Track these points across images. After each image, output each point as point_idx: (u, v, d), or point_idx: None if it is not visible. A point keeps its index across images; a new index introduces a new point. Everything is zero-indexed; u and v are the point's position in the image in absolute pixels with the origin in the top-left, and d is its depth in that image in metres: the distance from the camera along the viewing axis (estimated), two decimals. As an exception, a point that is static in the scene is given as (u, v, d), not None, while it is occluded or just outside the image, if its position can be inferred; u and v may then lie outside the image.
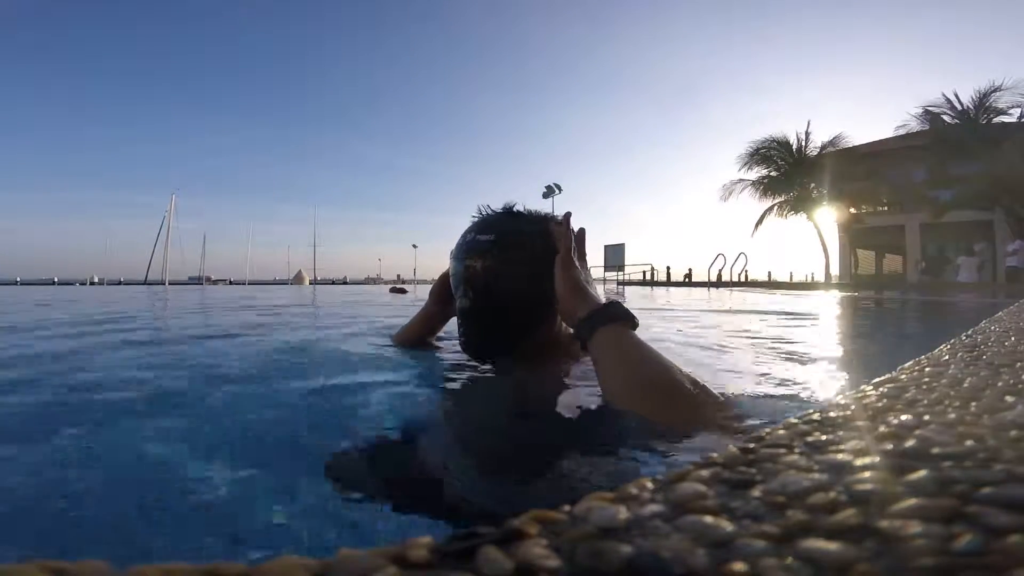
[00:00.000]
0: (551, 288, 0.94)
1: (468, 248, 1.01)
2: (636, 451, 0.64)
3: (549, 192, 21.47)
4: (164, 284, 33.29)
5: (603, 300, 0.83)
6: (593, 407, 0.77)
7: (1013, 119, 14.07)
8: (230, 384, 1.06)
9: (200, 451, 0.70)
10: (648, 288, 14.54)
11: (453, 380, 1.06)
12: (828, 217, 18.72)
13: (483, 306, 0.99)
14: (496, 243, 0.99)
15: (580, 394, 0.84)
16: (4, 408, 0.91)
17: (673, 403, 0.66)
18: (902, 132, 15.80)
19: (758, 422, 0.66)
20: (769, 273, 21.10)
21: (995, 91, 14.09)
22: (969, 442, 0.27)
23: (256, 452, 0.70)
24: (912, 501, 0.20)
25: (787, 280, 19.52)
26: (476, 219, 1.07)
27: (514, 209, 1.06)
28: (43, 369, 1.24)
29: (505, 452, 0.73)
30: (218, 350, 1.62)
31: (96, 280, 43.63)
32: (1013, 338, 0.73)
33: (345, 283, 46.61)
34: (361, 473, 0.66)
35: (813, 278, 20.24)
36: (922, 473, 0.23)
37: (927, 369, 0.51)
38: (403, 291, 8.71)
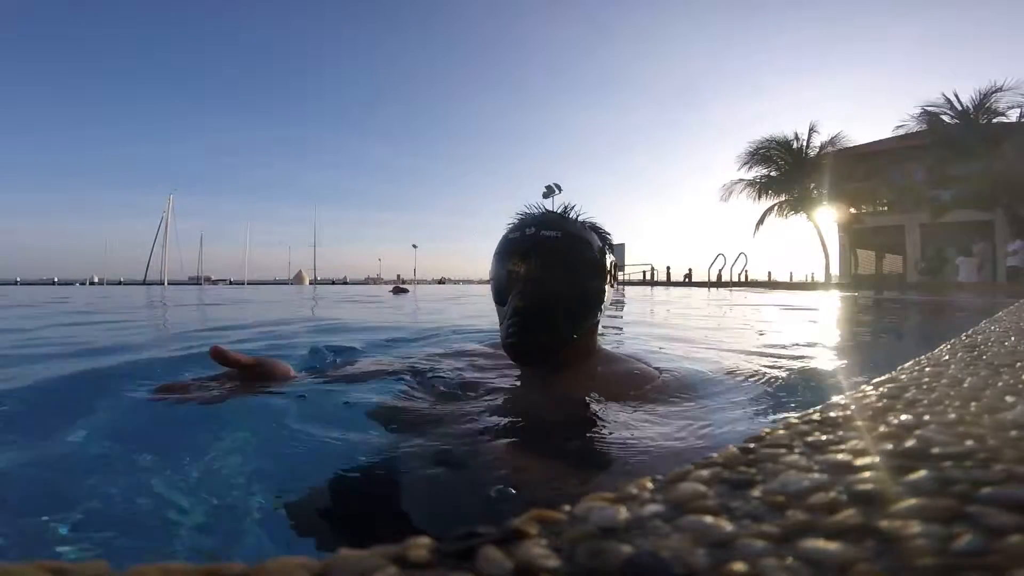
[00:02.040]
0: (597, 296, 0.96)
1: (529, 243, 0.94)
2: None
3: (549, 192, 21.42)
4: (163, 284, 33.29)
5: None
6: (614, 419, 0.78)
7: (1012, 119, 14.06)
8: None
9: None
10: (648, 288, 14.54)
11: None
12: (828, 217, 18.72)
13: (539, 306, 0.91)
14: (562, 240, 0.93)
15: (606, 406, 0.83)
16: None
17: None
18: (902, 132, 15.79)
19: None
20: (769, 273, 21.10)
21: (996, 92, 14.08)
22: (969, 442, 0.27)
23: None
24: (912, 501, 0.20)
25: (787, 280, 19.53)
26: (525, 216, 1.01)
27: (566, 212, 1.02)
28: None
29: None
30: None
31: (96, 280, 43.58)
32: (1013, 338, 0.73)
33: (345, 283, 46.57)
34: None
35: (813, 278, 20.24)
36: (922, 473, 0.23)
37: (927, 369, 0.51)
38: (405, 291, 8.80)
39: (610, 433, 0.77)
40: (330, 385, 1.07)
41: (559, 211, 1.03)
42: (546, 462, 0.70)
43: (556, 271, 0.91)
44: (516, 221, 1.01)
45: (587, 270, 0.95)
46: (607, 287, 0.99)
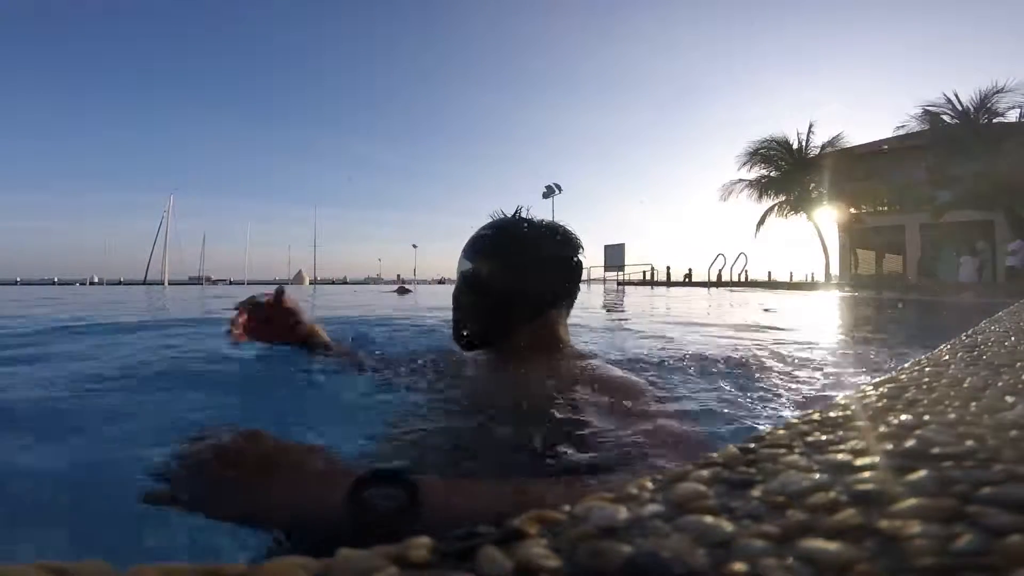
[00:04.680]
0: (540, 290, 1.01)
1: (467, 243, 1.07)
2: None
3: (549, 192, 21.47)
4: (163, 284, 33.33)
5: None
6: (560, 410, 0.78)
7: (1012, 119, 14.05)
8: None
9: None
10: (648, 288, 14.55)
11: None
12: (828, 217, 18.73)
13: (471, 298, 1.03)
14: (491, 239, 1.04)
15: (554, 394, 0.84)
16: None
17: None
18: (902, 132, 15.79)
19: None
20: (769, 273, 21.10)
21: (997, 92, 14.05)
22: (969, 442, 0.27)
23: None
24: (912, 501, 0.20)
25: (787, 280, 19.53)
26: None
27: (520, 214, 1.10)
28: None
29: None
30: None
31: (96, 280, 43.59)
32: (1013, 338, 0.73)
33: (345, 283, 46.62)
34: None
35: (813, 278, 20.24)
36: (922, 473, 0.23)
37: (927, 369, 0.51)
38: (408, 291, 8.96)
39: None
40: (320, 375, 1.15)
41: (512, 215, 1.09)
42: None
43: (481, 267, 1.02)
44: None
45: (517, 267, 1.01)
46: (558, 287, 1.04)
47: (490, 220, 1.10)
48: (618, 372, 0.97)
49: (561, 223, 1.10)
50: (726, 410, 1.02)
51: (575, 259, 1.07)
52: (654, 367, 1.31)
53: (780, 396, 1.13)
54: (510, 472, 0.68)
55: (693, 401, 1.08)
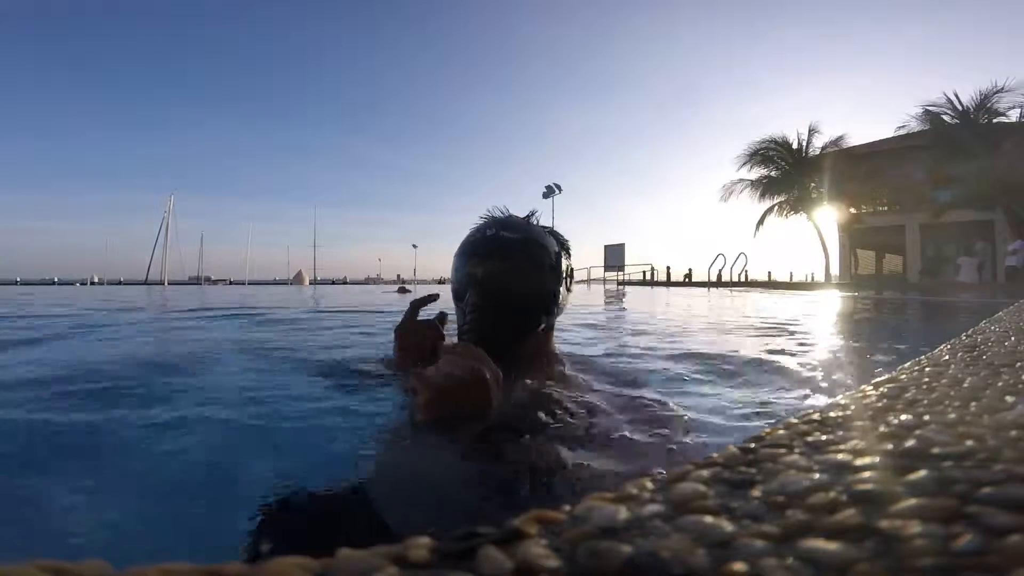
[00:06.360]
0: (552, 297, 1.00)
1: (491, 243, 0.98)
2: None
3: (549, 192, 21.46)
4: (163, 284, 33.33)
5: None
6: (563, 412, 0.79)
7: (1012, 119, 14.05)
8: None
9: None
10: (648, 288, 14.56)
11: None
12: (828, 217, 18.72)
13: (497, 304, 0.95)
14: (521, 242, 0.98)
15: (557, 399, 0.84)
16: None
17: None
18: (902, 132, 15.79)
19: None
20: (769, 273, 21.08)
21: (997, 92, 14.05)
22: (969, 442, 0.27)
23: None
24: (912, 501, 0.20)
25: (787, 280, 19.50)
26: (488, 219, 1.04)
27: (531, 219, 1.07)
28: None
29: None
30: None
31: (96, 280, 43.61)
32: (1013, 338, 0.73)
33: (345, 283, 46.63)
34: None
35: (813, 278, 20.22)
36: (922, 473, 0.23)
37: (927, 369, 0.51)
38: (408, 291, 9.28)
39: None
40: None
41: (524, 216, 1.07)
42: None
43: (513, 271, 0.97)
44: (480, 223, 1.05)
45: (543, 272, 0.99)
46: (562, 290, 1.03)
47: (500, 217, 1.05)
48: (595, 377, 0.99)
49: (550, 227, 1.09)
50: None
51: (570, 267, 1.07)
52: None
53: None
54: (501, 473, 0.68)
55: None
